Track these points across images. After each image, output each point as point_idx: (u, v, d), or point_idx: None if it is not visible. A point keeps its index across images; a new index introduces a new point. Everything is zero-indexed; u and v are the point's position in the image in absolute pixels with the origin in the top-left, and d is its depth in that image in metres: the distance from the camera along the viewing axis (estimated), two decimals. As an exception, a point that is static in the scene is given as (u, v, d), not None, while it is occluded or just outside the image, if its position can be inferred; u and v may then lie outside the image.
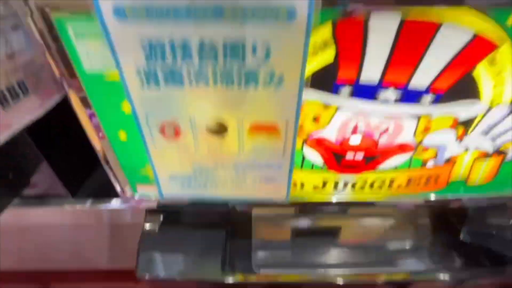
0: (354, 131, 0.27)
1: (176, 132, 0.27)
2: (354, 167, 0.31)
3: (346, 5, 0.20)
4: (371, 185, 0.33)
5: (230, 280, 0.37)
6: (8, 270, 0.54)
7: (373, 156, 0.29)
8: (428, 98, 0.25)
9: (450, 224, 0.44)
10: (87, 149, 0.29)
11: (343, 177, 0.32)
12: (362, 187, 0.33)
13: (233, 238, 0.46)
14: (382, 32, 0.21)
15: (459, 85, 0.24)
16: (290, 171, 0.30)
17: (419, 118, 0.26)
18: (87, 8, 0.19)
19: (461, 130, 0.28)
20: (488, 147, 0.29)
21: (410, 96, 0.25)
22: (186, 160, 0.29)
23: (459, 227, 0.43)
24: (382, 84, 0.24)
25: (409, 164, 0.31)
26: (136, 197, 0.34)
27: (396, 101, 0.25)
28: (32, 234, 0.49)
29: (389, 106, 0.25)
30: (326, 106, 0.25)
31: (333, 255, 0.45)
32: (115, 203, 0.43)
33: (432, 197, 0.34)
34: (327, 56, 0.22)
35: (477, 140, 0.28)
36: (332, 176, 0.32)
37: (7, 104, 0.29)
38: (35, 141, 0.35)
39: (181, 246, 0.40)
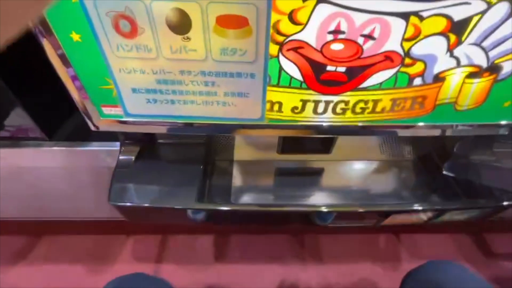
0: (336, 32, 0.24)
1: (134, 30, 0.23)
2: (335, 85, 0.28)
3: None
4: (353, 109, 0.31)
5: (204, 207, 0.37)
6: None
7: (356, 68, 0.27)
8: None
9: (431, 161, 0.43)
10: (63, 94, 0.28)
11: (323, 98, 0.30)
12: (344, 110, 0.31)
13: (212, 174, 0.45)
14: None
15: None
16: (264, 82, 0.27)
17: (408, 17, 0.23)
18: None
19: (453, 38, 0.25)
20: (481, 60, 0.26)
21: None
22: (148, 67, 0.26)
23: (440, 164, 0.42)
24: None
25: (394, 82, 0.28)
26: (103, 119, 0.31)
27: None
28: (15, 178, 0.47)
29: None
30: (304, -2, 0.22)
31: (314, 192, 0.45)
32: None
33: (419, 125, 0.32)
34: None
35: (469, 51, 0.26)
36: (311, 96, 0.29)
37: None
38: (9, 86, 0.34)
39: (157, 178, 0.39)
